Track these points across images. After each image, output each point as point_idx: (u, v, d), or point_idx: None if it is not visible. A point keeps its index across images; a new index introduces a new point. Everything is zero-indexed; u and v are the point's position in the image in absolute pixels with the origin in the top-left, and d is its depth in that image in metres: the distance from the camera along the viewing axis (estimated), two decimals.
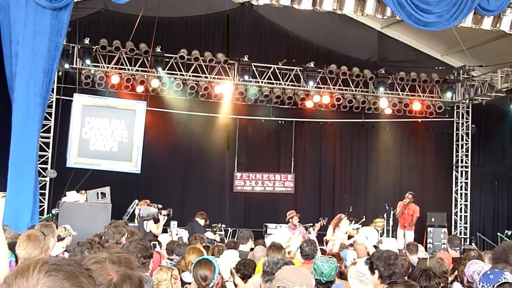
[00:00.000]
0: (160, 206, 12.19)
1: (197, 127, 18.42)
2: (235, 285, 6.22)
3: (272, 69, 18.21)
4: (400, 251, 14.09)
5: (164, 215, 11.95)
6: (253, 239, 9.62)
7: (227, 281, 5.73)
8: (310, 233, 14.20)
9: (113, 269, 2.13)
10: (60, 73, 16.23)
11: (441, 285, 5.15)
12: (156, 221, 12.09)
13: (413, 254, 9.42)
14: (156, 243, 7.96)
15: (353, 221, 15.93)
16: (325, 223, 14.87)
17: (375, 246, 10.42)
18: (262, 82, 18.21)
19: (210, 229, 14.36)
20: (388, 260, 5.03)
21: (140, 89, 17.08)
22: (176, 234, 7.67)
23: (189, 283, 5.71)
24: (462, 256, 9.10)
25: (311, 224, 15.03)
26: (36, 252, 5.03)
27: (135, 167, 14.62)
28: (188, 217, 15.20)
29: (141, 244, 5.73)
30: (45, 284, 1.66)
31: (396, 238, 15.81)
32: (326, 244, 13.75)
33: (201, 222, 13.76)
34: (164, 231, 14.19)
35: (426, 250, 14.85)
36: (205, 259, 5.44)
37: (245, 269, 6.98)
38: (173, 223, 15.75)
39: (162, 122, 17.76)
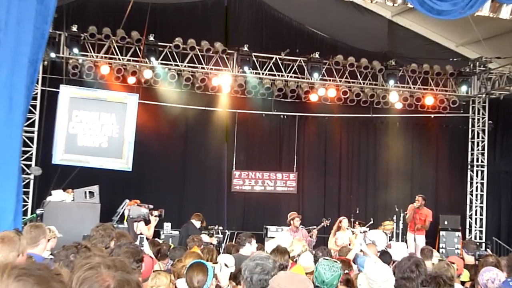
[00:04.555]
0: (151, 206, 12.13)
1: (192, 122, 18.40)
2: None
3: (274, 59, 18.17)
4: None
5: (155, 216, 11.87)
6: (254, 241, 9.55)
7: None
8: (311, 236, 14.19)
9: (109, 275, 2.10)
10: (46, 62, 16.20)
11: None
12: (147, 222, 12.04)
13: (427, 259, 9.37)
14: (144, 237, 7.89)
15: (360, 224, 15.94)
16: (328, 224, 14.84)
17: (383, 251, 10.41)
18: (263, 73, 18.17)
19: (206, 232, 14.32)
20: (405, 273, 5.00)
21: (131, 80, 17.05)
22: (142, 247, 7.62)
23: None
24: (477, 262, 9.06)
25: (314, 227, 15.01)
26: (13, 254, 5.00)
27: (126, 164, 14.58)
28: (183, 218, 15.17)
29: (131, 247, 5.69)
30: None
31: (406, 242, 15.81)
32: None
33: (197, 224, 13.70)
34: (157, 233, 14.19)
35: None
36: (199, 262, 5.43)
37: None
38: (167, 225, 15.72)
39: (155, 116, 17.73)
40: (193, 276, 5.30)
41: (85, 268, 2.11)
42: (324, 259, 5.51)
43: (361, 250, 8.79)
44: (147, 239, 9.89)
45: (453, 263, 7.27)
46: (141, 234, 11.48)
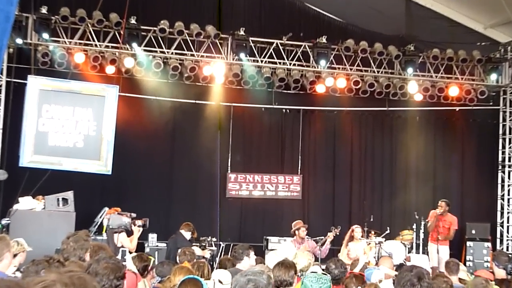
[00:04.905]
0: (133, 215, 12.18)
1: (181, 117, 18.40)
2: None
3: (274, 45, 18.19)
4: (434, 270, 14.16)
5: (139, 226, 11.93)
6: (253, 253, 9.57)
7: None
8: (320, 249, 14.20)
9: None
10: (11, 50, 16.18)
11: None
12: (129, 233, 12.08)
13: (452, 274, 9.40)
14: (126, 250, 7.92)
15: (375, 234, 15.95)
16: (338, 233, 14.83)
17: (401, 264, 10.46)
18: (262, 61, 18.19)
19: (197, 244, 14.35)
20: (405, 286, 5.05)
21: (110, 70, 17.05)
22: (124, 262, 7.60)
23: None
24: (509, 277, 9.11)
25: (322, 237, 15.00)
26: None
27: (105, 166, 14.61)
28: (171, 228, 15.19)
29: (111, 262, 5.71)
30: None
31: (427, 254, 15.84)
32: None
33: (187, 235, 13.75)
34: (141, 246, 14.20)
35: None
36: (192, 278, 5.46)
37: None
38: (152, 236, 15.74)
39: (138, 111, 17.74)
40: None
41: (39, 287, 2.11)
42: (312, 272, 5.55)
43: (369, 262, 8.82)
44: (130, 252, 9.95)
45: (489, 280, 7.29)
46: (122, 247, 11.54)
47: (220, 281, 6.24)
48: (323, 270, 7.98)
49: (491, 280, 7.38)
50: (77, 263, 6.38)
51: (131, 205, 14.53)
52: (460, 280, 9.38)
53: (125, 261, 7.37)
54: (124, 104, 16.27)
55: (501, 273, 9.45)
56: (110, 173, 14.85)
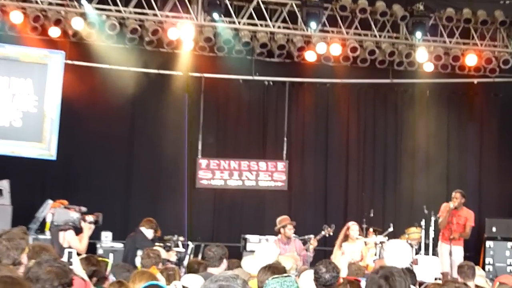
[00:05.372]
0: (83, 209, 12.12)
1: (141, 91, 18.33)
2: None
3: (254, 3, 18.17)
4: (445, 275, 14.25)
5: (89, 223, 11.87)
6: (227, 259, 9.61)
7: None
8: (307, 250, 14.25)
9: None
10: None
11: None
12: (78, 231, 12.04)
13: (468, 279, 9.44)
14: (72, 251, 7.86)
15: (376, 232, 16.02)
16: (331, 233, 14.89)
17: (408, 269, 10.49)
18: (239, 23, 18.18)
19: (161, 244, 14.34)
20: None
21: (54, 32, 16.94)
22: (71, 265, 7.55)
23: None
24: None
25: (312, 236, 15.03)
26: None
27: (48, 150, 14.56)
28: (129, 226, 15.19)
29: (56, 266, 5.68)
30: None
31: (438, 256, 15.92)
32: None
33: (148, 233, 13.72)
34: (92, 246, 14.16)
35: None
36: (154, 285, 5.44)
37: None
38: (106, 235, 15.76)
39: (88, 83, 17.61)
40: None
41: None
42: (273, 278, 5.55)
43: (367, 266, 8.86)
44: (79, 254, 9.90)
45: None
46: (69, 247, 11.50)
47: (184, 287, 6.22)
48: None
49: None
50: (9, 268, 6.33)
51: (80, 197, 14.49)
52: (477, 286, 9.43)
53: (72, 265, 7.32)
54: (71, 75, 16.21)
55: None
56: (54, 158, 14.81)
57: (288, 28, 18.50)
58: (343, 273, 8.75)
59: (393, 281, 5.22)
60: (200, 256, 14.96)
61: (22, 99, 14.55)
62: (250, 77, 18.99)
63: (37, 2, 16.85)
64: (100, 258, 9.40)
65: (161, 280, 6.70)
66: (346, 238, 14.17)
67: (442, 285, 7.48)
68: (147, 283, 5.73)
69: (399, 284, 5.19)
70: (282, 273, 7.11)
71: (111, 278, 8.75)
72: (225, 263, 9.40)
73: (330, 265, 7.75)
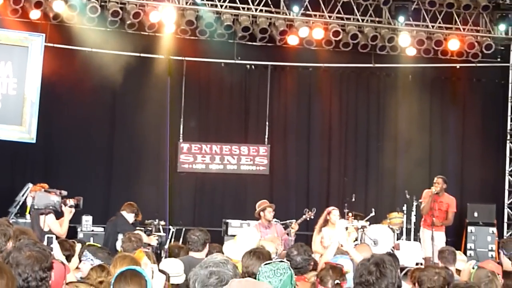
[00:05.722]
0: (64, 192, 12.07)
1: (122, 74, 18.20)
2: None
3: None
4: (427, 261, 14.30)
5: (70, 207, 11.84)
6: (209, 243, 9.61)
7: None
8: (288, 234, 14.25)
9: None
10: None
11: None
12: (59, 215, 12.00)
13: (449, 264, 9.46)
14: (53, 237, 7.80)
15: (357, 217, 16.05)
16: (312, 216, 14.89)
17: (389, 253, 10.50)
18: (221, 6, 18.11)
19: (142, 228, 14.32)
20: (362, 276, 5.14)
21: (35, 14, 16.85)
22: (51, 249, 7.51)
23: None
24: None
25: (293, 220, 15.05)
26: None
27: (28, 133, 14.48)
28: (110, 210, 15.18)
29: (36, 250, 5.63)
30: None
31: (420, 241, 15.97)
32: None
33: (129, 217, 13.70)
34: (73, 230, 14.13)
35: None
36: (131, 270, 5.41)
37: None
38: (86, 219, 15.71)
39: (69, 66, 17.57)
40: None
41: None
42: (264, 264, 5.46)
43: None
44: (59, 238, 9.86)
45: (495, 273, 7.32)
46: (50, 231, 11.47)
47: (162, 271, 6.17)
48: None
49: (498, 274, 7.38)
50: None
51: (61, 180, 14.46)
52: (458, 271, 9.42)
53: (52, 250, 7.28)
54: (52, 57, 16.11)
55: (510, 264, 9.39)
56: (34, 141, 14.73)
57: (271, 12, 18.47)
58: (328, 257, 8.69)
59: (384, 268, 5.24)
60: (181, 241, 14.92)
61: (2, 82, 14.45)
62: (232, 61, 18.95)
63: None
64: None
65: (148, 264, 6.65)
66: (326, 223, 14.12)
67: (422, 270, 7.49)
68: (124, 268, 5.68)
69: (389, 272, 5.21)
70: (267, 258, 7.08)
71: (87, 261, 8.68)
72: (207, 247, 9.42)
73: (302, 248, 7.76)
